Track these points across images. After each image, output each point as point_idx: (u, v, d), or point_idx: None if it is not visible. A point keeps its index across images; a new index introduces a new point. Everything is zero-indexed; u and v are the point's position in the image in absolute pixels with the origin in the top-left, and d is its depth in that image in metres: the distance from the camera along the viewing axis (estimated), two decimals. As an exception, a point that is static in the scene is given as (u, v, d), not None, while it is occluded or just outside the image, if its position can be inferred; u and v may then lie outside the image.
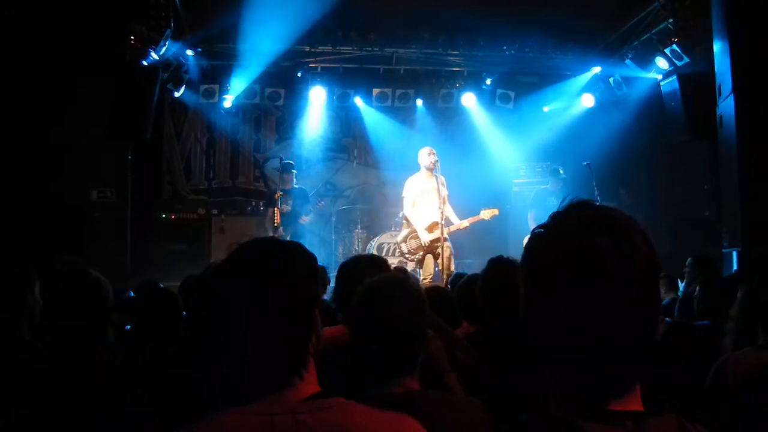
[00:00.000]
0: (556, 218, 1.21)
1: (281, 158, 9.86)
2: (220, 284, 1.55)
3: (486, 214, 8.57)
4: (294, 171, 9.69)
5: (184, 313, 3.58)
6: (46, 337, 2.77)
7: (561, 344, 1.15)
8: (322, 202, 9.67)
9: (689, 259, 5.47)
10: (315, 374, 1.52)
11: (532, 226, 9.02)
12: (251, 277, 1.50)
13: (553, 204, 9.30)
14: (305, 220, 9.45)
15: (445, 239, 8.18)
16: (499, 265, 3.23)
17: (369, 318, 2.15)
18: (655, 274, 1.17)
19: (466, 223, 8.46)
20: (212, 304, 1.56)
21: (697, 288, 4.00)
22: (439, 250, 8.22)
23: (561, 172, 9.84)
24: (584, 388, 1.15)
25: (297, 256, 1.57)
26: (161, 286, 4.24)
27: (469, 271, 6.79)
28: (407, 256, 8.48)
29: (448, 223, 8.38)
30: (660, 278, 1.22)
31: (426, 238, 8.28)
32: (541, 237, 1.21)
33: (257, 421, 1.41)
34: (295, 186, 9.67)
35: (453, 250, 8.35)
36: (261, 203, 11.08)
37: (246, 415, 1.42)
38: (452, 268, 8.13)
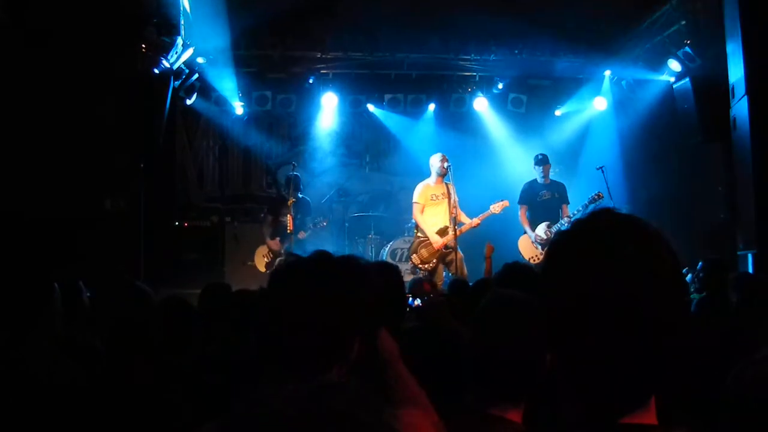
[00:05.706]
0: (582, 225, 1.20)
1: (294, 165, 9.83)
2: (265, 297, 1.62)
3: (496, 207, 8.39)
4: (301, 185, 9.58)
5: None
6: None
7: (578, 351, 1.13)
8: (325, 222, 9.48)
9: (701, 262, 5.42)
10: None
11: (525, 223, 8.90)
12: (291, 294, 1.56)
13: (545, 199, 9.11)
14: (302, 235, 9.25)
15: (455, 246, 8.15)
16: (514, 270, 3.25)
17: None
18: (680, 282, 1.16)
19: (477, 220, 8.35)
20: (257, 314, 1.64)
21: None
22: (450, 257, 8.19)
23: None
24: (596, 402, 1.13)
25: (351, 275, 1.63)
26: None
27: (479, 276, 6.75)
28: (420, 266, 8.36)
29: (460, 224, 8.30)
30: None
31: (438, 241, 8.24)
32: (566, 243, 1.19)
33: None
34: (301, 197, 9.59)
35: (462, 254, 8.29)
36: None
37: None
38: (465, 272, 8.08)
